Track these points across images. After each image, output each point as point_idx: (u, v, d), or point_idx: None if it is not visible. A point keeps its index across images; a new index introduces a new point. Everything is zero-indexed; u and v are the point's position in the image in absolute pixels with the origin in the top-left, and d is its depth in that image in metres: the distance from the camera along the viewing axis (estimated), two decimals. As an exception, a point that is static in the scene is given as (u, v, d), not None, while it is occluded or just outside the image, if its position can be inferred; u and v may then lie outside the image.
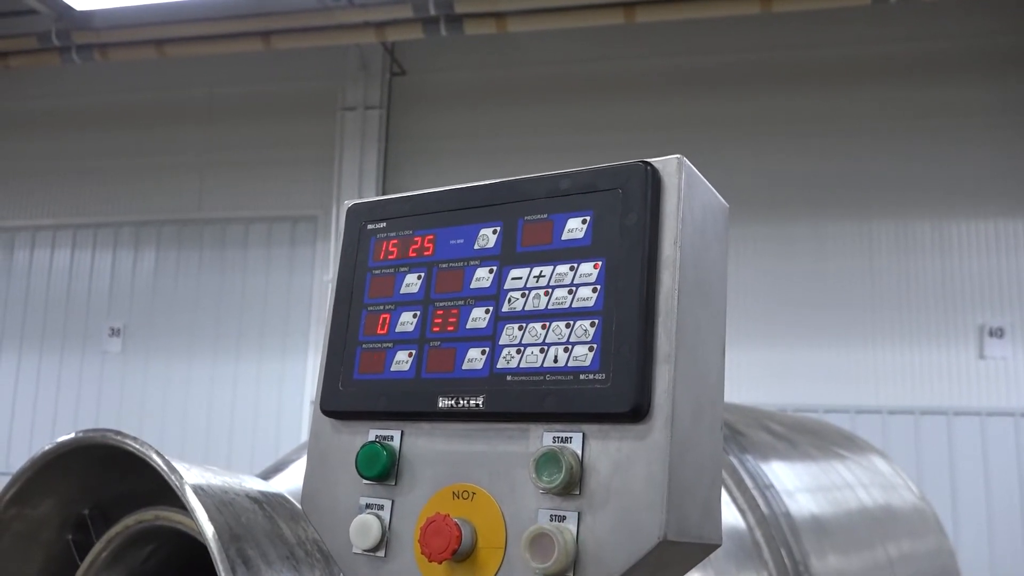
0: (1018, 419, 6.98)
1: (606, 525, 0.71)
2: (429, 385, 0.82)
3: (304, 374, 9.03)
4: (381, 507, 0.82)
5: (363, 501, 0.83)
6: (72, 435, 1.51)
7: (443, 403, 0.80)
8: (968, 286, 7.21)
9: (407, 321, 0.85)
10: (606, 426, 0.73)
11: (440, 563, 0.76)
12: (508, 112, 8.56)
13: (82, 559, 1.58)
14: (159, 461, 1.34)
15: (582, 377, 0.74)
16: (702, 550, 0.76)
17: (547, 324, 0.77)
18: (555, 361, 0.76)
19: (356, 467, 0.83)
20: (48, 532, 1.65)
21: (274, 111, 9.41)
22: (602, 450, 0.73)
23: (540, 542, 0.72)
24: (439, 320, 0.83)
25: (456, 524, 0.75)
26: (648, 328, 0.73)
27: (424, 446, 0.82)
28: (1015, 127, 7.27)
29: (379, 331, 0.86)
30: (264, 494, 1.48)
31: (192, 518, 1.26)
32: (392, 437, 0.83)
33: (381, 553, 0.81)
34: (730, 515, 2.09)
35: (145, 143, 9.67)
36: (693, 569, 1.90)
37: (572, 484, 0.73)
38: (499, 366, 0.79)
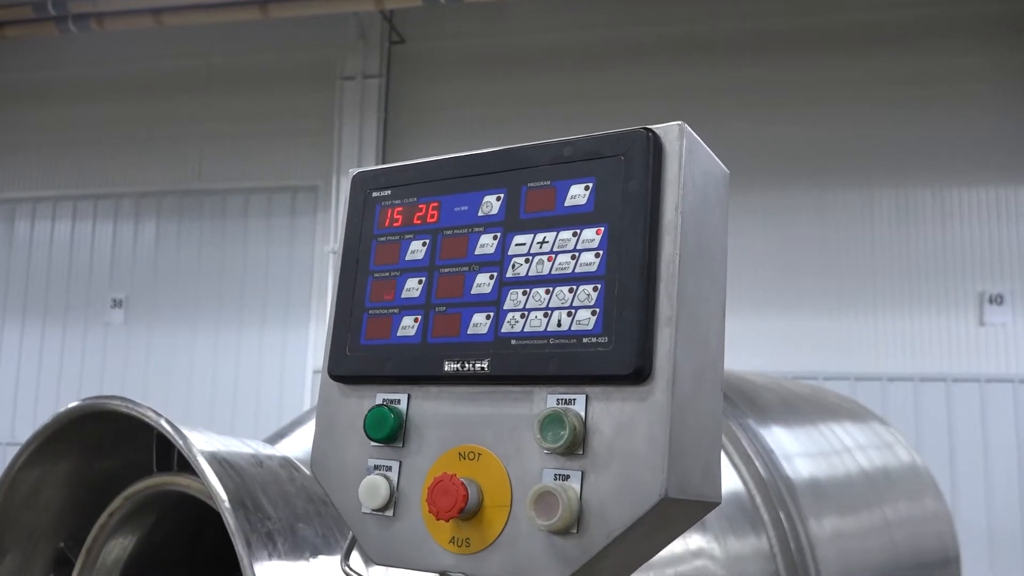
0: (1017, 385, 7.02)
1: (609, 484, 0.73)
2: (435, 350, 0.83)
3: (306, 344, 9.07)
4: (389, 468, 0.84)
5: (371, 463, 0.85)
6: (80, 401, 1.54)
7: (449, 367, 0.82)
8: (968, 253, 7.22)
9: (413, 287, 0.87)
10: (609, 388, 0.75)
11: (447, 521, 0.78)
12: (509, 81, 8.52)
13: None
14: (167, 427, 1.37)
15: (585, 341, 0.76)
16: (702, 508, 0.78)
17: (550, 289, 0.79)
18: (558, 325, 0.77)
19: (364, 430, 0.85)
20: (61, 491, 1.68)
21: (273, 81, 9.36)
22: (605, 411, 0.75)
23: (545, 500, 0.74)
24: (444, 286, 0.85)
25: (462, 483, 0.77)
26: (650, 292, 0.74)
27: (431, 409, 0.84)
28: (1017, 94, 7.24)
29: (385, 297, 0.88)
30: (272, 458, 1.51)
31: (203, 482, 1.28)
32: (399, 400, 0.85)
33: (390, 512, 0.83)
34: (729, 478, 2.12)
35: (143, 113, 9.64)
36: (693, 529, 1.94)
37: (576, 444, 0.75)
38: (503, 330, 0.80)
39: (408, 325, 0.86)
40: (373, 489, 0.83)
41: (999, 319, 7.10)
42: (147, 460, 1.61)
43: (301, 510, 1.43)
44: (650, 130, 0.78)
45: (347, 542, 1.14)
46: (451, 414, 0.83)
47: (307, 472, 1.55)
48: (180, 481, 1.56)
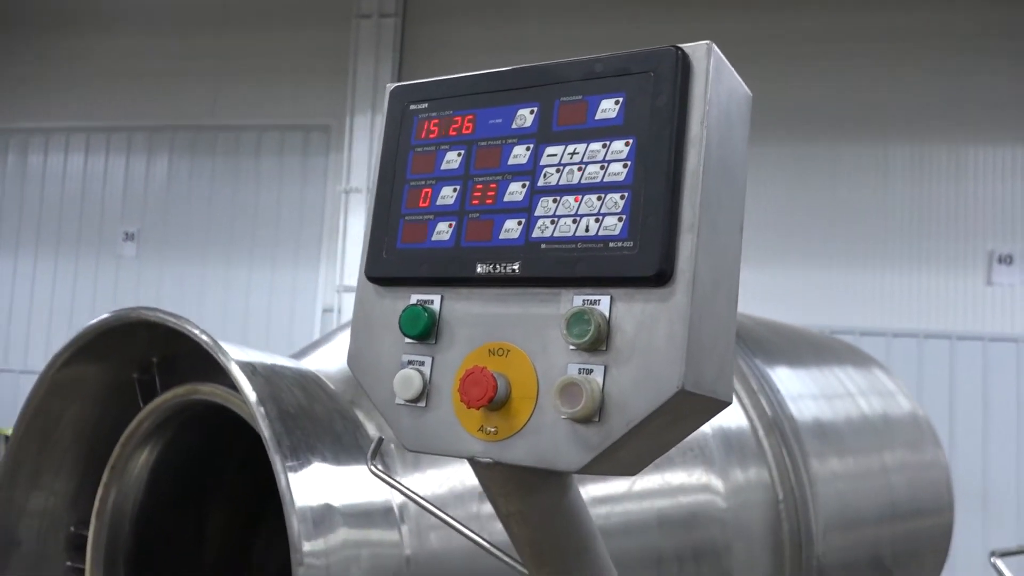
0: (1020, 345, 7.08)
1: (630, 377, 0.79)
2: (468, 253, 0.88)
3: (316, 284, 9.15)
4: (422, 363, 0.90)
5: (405, 358, 0.91)
6: (112, 313, 1.60)
7: (481, 269, 0.87)
8: (980, 212, 7.22)
9: (447, 195, 0.91)
10: (632, 290, 0.80)
11: (477, 410, 0.84)
12: (526, 24, 8.46)
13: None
14: (204, 337, 1.43)
15: (611, 245, 0.81)
16: (715, 405, 0.83)
17: (580, 197, 0.84)
18: (586, 231, 0.82)
19: (399, 327, 0.90)
20: (89, 403, 1.75)
21: (288, 18, 9.30)
22: (627, 311, 0.80)
23: (569, 390, 0.79)
24: (478, 194, 0.90)
25: (492, 376, 0.83)
26: (674, 201, 0.79)
27: (462, 309, 0.89)
28: (1037, 51, 7.16)
29: (421, 204, 0.93)
30: (300, 371, 1.57)
31: (239, 388, 1.34)
32: (432, 301, 0.91)
33: (422, 403, 0.89)
34: (735, 414, 2.19)
35: (159, 48, 9.61)
36: (695, 466, 2.00)
37: (599, 341, 0.80)
38: (534, 235, 0.85)
39: (442, 230, 0.91)
40: (407, 382, 0.89)
41: (1007, 279, 7.13)
42: (174, 376, 1.68)
43: (325, 416, 1.50)
44: (679, 48, 0.82)
45: (373, 444, 1.21)
46: (481, 314, 0.88)
47: (330, 385, 1.61)
48: (207, 389, 1.63)
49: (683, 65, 0.82)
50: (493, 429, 0.85)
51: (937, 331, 7.09)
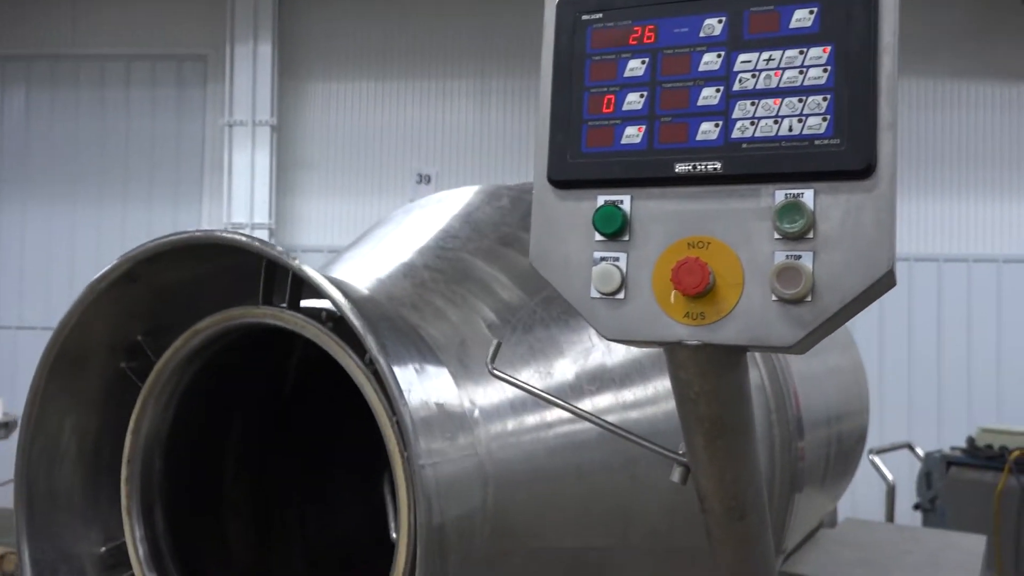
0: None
1: (839, 260, 0.88)
2: (663, 154, 0.95)
3: (199, 221, 8.82)
4: (616, 259, 0.97)
5: (598, 255, 0.98)
6: (162, 238, 1.56)
7: (680, 168, 0.94)
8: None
9: (634, 100, 0.97)
10: (836, 183, 0.89)
11: (692, 296, 0.92)
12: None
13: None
14: (268, 248, 1.43)
15: (817, 143, 0.89)
16: (888, 284, 0.93)
17: (780, 100, 0.92)
18: (790, 130, 0.91)
19: (593, 226, 0.97)
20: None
21: (158, -62, 8.77)
22: (832, 202, 0.89)
23: (787, 274, 0.88)
24: (668, 99, 0.96)
25: (706, 264, 0.91)
26: (874, 102, 0.88)
27: (655, 207, 0.96)
28: None
29: (604, 110, 0.98)
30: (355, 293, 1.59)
31: (318, 287, 1.35)
32: (622, 201, 0.97)
33: (620, 295, 0.96)
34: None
35: (9, -32, 8.87)
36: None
37: (807, 229, 0.89)
38: (734, 136, 0.93)
39: (632, 134, 0.97)
40: (607, 276, 0.96)
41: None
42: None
43: (405, 325, 1.54)
44: None
45: (492, 347, 1.27)
46: (677, 211, 0.95)
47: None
48: (261, 312, 1.62)
49: (875, -22, 0.90)
50: (700, 314, 0.93)
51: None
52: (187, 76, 9.03)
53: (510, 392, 1.66)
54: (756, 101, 0.93)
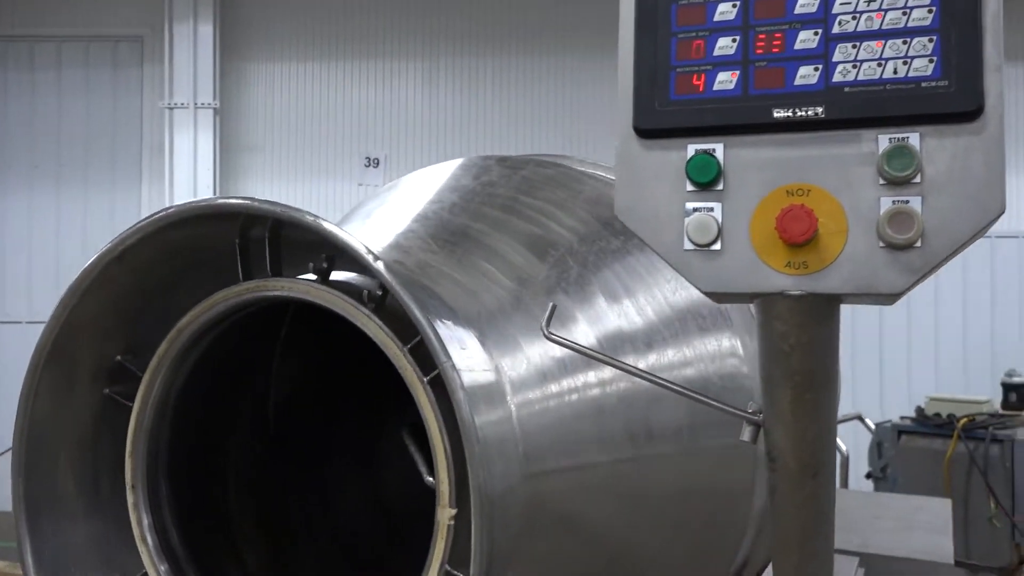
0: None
1: (949, 204, 0.87)
2: (759, 100, 0.92)
3: (139, 206, 8.55)
4: (711, 208, 0.94)
5: (690, 206, 0.95)
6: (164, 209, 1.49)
7: (779, 114, 0.91)
8: None
9: (725, 45, 0.94)
10: (942, 126, 0.88)
11: (800, 244, 0.89)
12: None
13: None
14: (310, 219, 1.37)
15: (923, 85, 0.88)
16: (990, 224, 0.92)
17: (883, 42, 0.89)
18: (895, 73, 0.89)
19: (688, 176, 0.93)
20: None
21: (90, -88, 8.44)
22: (939, 146, 0.88)
23: (899, 219, 0.87)
24: (762, 43, 0.93)
25: (812, 210, 0.89)
26: (980, 44, 0.87)
27: (750, 155, 0.94)
28: None
29: (693, 56, 0.95)
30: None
31: (356, 255, 1.30)
32: (714, 149, 0.94)
33: (716, 246, 0.93)
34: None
35: (-71, -57, 8.44)
36: (724, 330, 2.09)
37: (915, 173, 0.88)
38: (835, 80, 0.90)
39: (725, 79, 0.94)
40: (704, 227, 0.93)
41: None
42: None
43: (439, 301, 1.49)
44: None
45: (548, 312, 1.23)
46: (773, 158, 0.93)
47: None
48: (276, 285, 1.56)
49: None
50: (802, 263, 0.91)
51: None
52: (122, 57, 8.72)
53: (536, 360, 1.63)
54: (857, 44, 0.90)
